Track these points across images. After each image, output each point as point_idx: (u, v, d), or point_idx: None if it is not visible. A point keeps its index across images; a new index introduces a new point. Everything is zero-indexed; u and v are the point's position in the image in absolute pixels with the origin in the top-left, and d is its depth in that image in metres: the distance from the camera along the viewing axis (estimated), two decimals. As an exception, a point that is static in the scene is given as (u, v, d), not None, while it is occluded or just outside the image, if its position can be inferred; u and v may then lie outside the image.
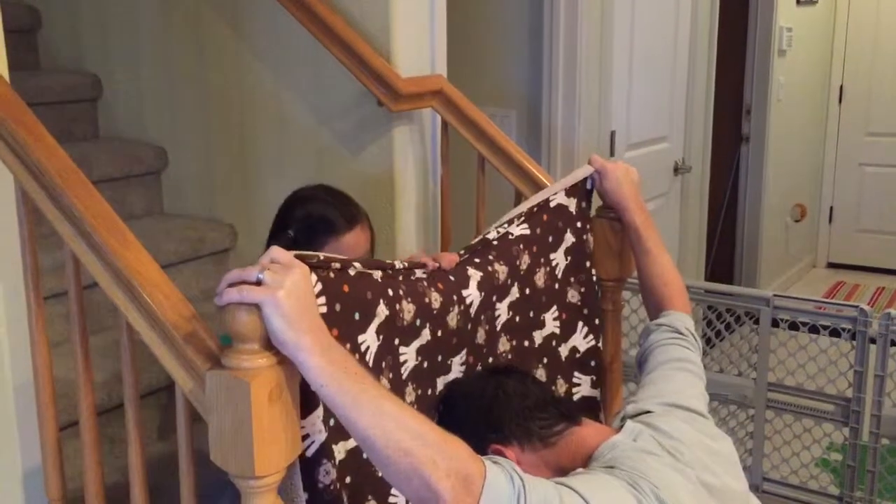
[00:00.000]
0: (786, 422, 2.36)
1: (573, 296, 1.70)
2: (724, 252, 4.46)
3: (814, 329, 2.27)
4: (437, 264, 1.42)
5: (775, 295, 2.28)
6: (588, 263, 1.72)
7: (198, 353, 1.14)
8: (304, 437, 1.15)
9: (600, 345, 1.75)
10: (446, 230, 2.23)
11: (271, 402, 1.02)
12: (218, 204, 2.53)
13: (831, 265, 5.67)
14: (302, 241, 1.66)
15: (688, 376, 1.47)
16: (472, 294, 1.46)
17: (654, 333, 1.56)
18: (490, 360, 1.54)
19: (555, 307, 1.67)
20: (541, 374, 1.66)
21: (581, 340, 1.72)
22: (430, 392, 1.42)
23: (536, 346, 1.64)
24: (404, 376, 1.34)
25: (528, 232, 1.62)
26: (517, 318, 1.59)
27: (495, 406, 1.36)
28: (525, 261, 1.60)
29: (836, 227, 5.62)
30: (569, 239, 1.69)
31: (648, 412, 1.36)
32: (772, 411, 2.33)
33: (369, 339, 1.23)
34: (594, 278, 1.73)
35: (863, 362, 2.16)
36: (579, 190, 1.71)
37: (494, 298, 1.53)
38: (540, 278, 1.64)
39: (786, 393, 2.31)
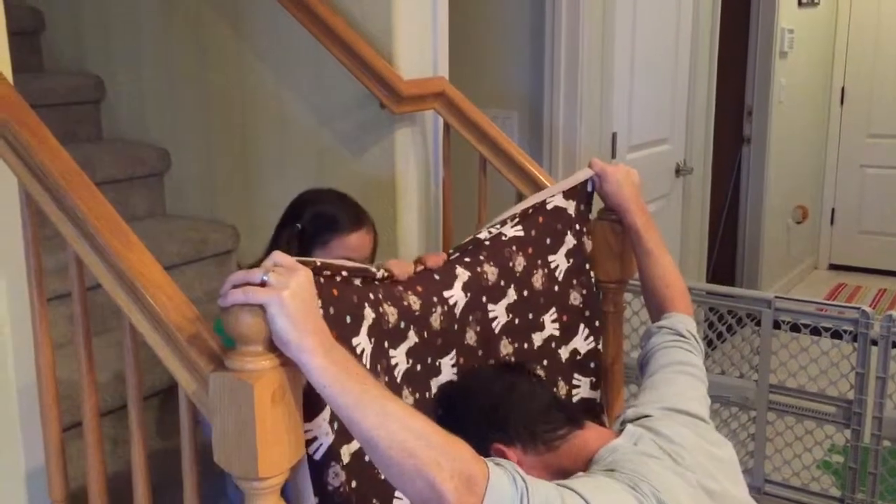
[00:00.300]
0: (787, 424, 2.36)
1: (575, 298, 1.70)
2: (725, 254, 4.46)
3: (815, 331, 2.27)
4: (407, 275, 1.42)
5: (777, 297, 2.28)
6: (587, 266, 1.72)
7: (201, 355, 1.14)
8: (312, 440, 1.15)
9: (600, 347, 1.75)
10: (448, 232, 2.23)
11: (274, 404, 1.02)
12: (220, 205, 2.53)
13: (833, 267, 5.67)
14: (309, 235, 1.71)
15: (689, 379, 1.47)
16: (456, 295, 1.46)
17: (655, 336, 1.56)
18: (489, 362, 1.54)
19: (553, 309, 1.67)
20: (540, 375, 1.66)
21: (582, 342, 1.72)
22: (427, 395, 1.42)
23: (536, 348, 1.64)
24: (398, 379, 1.34)
25: (521, 234, 1.62)
26: (516, 321, 1.59)
27: (502, 406, 1.36)
28: (520, 262, 1.60)
29: (838, 229, 5.62)
30: (569, 241, 1.69)
31: (648, 416, 1.36)
32: (773, 413, 2.34)
33: (363, 342, 1.24)
34: (594, 280, 1.73)
35: (864, 364, 2.16)
36: (579, 192, 1.71)
37: (485, 299, 1.53)
38: (538, 280, 1.64)
39: (787, 395, 2.31)
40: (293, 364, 1.03)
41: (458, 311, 1.47)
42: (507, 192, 2.16)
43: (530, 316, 1.63)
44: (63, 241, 1.34)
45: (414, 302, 1.38)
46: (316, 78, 2.25)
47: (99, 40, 2.68)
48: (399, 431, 1.00)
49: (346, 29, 2.08)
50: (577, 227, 1.70)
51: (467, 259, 1.52)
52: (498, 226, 1.60)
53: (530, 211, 1.65)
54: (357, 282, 1.28)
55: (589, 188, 1.71)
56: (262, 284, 1.01)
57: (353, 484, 1.22)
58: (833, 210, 5.60)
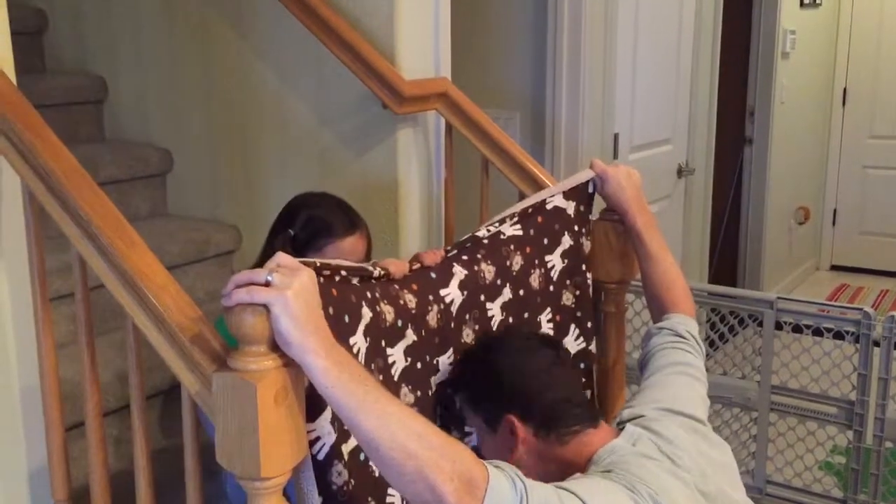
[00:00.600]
0: (789, 424, 2.36)
1: (567, 298, 1.70)
2: (727, 254, 4.46)
3: (817, 332, 2.27)
4: (404, 273, 1.41)
5: (779, 297, 2.28)
6: (584, 266, 1.72)
7: (204, 355, 1.14)
8: (316, 440, 1.15)
9: (591, 348, 1.75)
10: (450, 233, 2.23)
11: (277, 404, 1.02)
12: (222, 205, 2.54)
13: (835, 268, 5.66)
14: (302, 240, 1.69)
15: (688, 380, 1.47)
16: (452, 293, 1.46)
17: (655, 337, 1.56)
18: None
19: (549, 309, 1.67)
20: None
21: (572, 343, 1.72)
22: (429, 393, 1.42)
23: None
24: (395, 378, 1.34)
25: (520, 233, 1.62)
26: (510, 320, 1.60)
27: (535, 382, 1.34)
28: (517, 262, 1.60)
29: (840, 230, 5.61)
30: (566, 242, 1.69)
31: (642, 416, 1.35)
32: (775, 414, 2.34)
33: (359, 342, 1.24)
34: (589, 282, 1.73)
35: (866, 365, 2.16)
36: (579, 193, 1.71)
37: (483, 298, 1.53)
38: (535, 280, 1.64)
39: (789, 396, 2.31)
40: (296, 364, 1.03)
41: (454, 309, 1.47)
42: (509, 193, 2.16)
43: (526, 315, 1.63)
44: (65, 242, 1.34)
45: (410, 300, 1.38)
46: (318, 78, 2.25)
47: (101, 41, 2.69)
48: (400, 433, 1.00)
49: (348, 29, 2.08)
50: (576, 227, 1.70)
51: (465, 257, 1.52)
52: (497, 224, 1.60)
53: (530, 210, 1.65)
54: (355, 281, 1.28)
55: (590, 189, 1.71)
56: (266, 285, 1.02)
57: (352, 482, 1.22)
58: (835, 211, 5.60)
